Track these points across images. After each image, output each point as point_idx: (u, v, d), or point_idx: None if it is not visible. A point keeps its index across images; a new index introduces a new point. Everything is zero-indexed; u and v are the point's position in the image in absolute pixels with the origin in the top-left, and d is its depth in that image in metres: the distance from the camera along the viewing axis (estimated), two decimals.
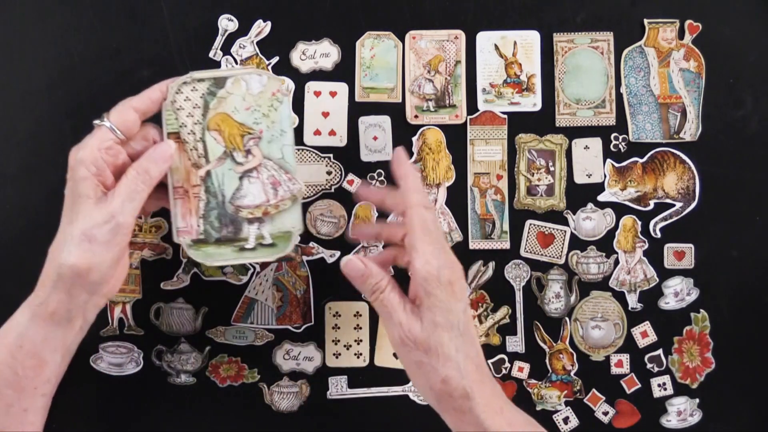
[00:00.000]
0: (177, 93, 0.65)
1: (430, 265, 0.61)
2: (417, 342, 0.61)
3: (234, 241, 0.67)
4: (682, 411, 0.78)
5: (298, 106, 0.75)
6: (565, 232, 0.77)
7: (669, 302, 0.78)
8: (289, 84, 0.74)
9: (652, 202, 0.77)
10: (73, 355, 0.68)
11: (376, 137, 0.76)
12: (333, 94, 0.76)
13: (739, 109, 0.77)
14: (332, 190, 0.76)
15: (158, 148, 0.64)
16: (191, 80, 0.65)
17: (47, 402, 0.66)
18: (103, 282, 0.63)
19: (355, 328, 0.77)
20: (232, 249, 0.67)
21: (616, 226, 0.77)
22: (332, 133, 0.76)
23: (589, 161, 0.77)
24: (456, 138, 0.76)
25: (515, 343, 0.77)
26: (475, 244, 0.77)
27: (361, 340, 0.77)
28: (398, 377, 0.77)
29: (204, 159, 0.66)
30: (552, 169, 0.77)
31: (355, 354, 0.77)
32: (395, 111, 0.76)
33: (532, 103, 0.77)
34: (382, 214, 0.76)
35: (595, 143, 0.77)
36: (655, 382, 0.78)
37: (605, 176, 0.77)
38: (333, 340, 0.77)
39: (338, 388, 0.77)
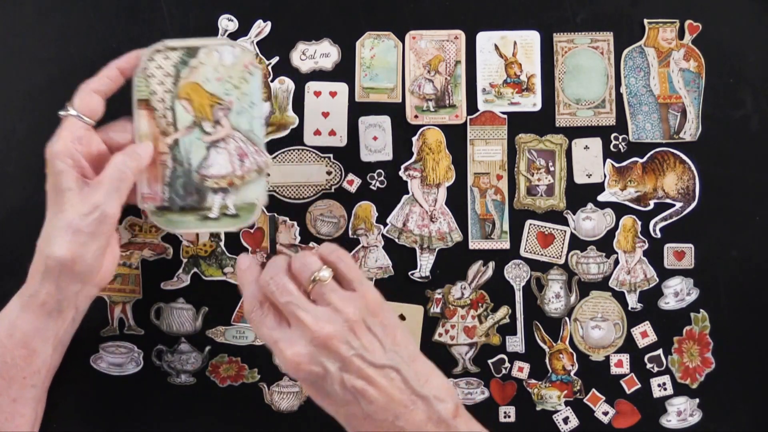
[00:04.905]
0: (149, 60, 0.66)
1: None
2: None
3: (198, 210, 0.68)
4: (682, 411, 0.78)
5: (298, 106, 0.75)
6: (565, 232, 0.77)
7: (669, 302, 0.78)
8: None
9: (652, 202, 0.77)
10: (66, 348, 0.68)
11: (376, 137, 0.76)
12: (333, 94, 0.76)
13: (739, 109, 0.77)
14: (332, 190, 0.76)
15: (144, 145, 0.66)
16: (164, 48, 0.66)
17: (39, 395, 0.66)
18: (90, 272, 0.64)
19: None
20: (196, 217, 0.68)
21: (616, 226, 0.77)
22: (332, 133, 0.76)
23: (589, 161, 0.77)
24: (456, 138, 0.76)
25: (515, 343, 0.77)
26: (475, 244, 0.77)
27: None
28: None
29: (172, 127, 0.67)
30: (552, 169, 0.77)
31: None
32: (395, 111, 0.76)
33: (532, 103, 0.77)
34: (383, 215, 0.76)
35: (595, 143, 0.77)
36: (655, 382, 0.78)
37: (605, 176, 0.77)
38: None
39: None
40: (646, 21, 0.76)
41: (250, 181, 0.68)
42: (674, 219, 0.77)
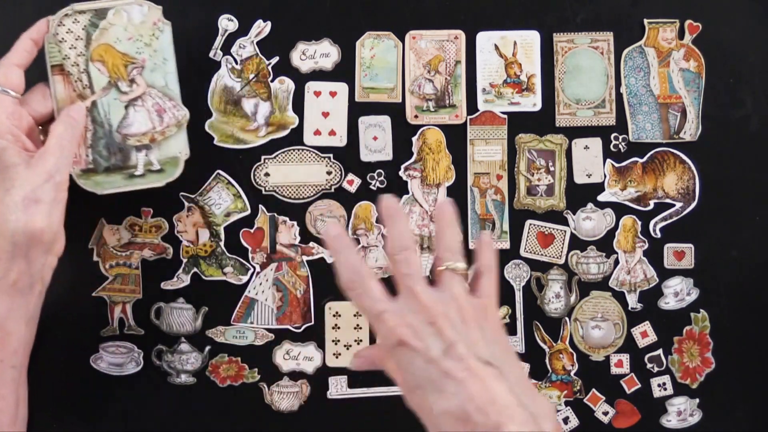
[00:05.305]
0: (59, 25, 0.67)
1: None
2: None
3: (123, 169, 0.69)
4: (682, 411, 0.78)
5: (298, 106, 0.75)
6: (565, 232, 0.77)
7: (669, 302, 0.78)
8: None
9: (652, 202, 0.77)
10: (38, 321, 0.68)
11: (376, 137, 0.76)
12: (333, 94, 0.76)
13: (739, 109, 0.77)
14: (332, 190, 0.76)
15: (75, 107, 0.67)
16: (72, 12, 0.67)
17: (18, 375, 0.66)
18: (56, 240, 0.64)
19: (355, 328, 0.77)
20: (122, 176, 0.69)
21: (616, 226, 0.77)
22: (332, 133, 0.76)
23: (589, 161, 0.77)
24: (456, 138, 0.76)
25: (515, 343, 0.77)
26: (475, 244, 0.77)
27: (361, 340, 0.77)
28: None
29: (89, 90, 0.68)
30: (552, 169, 0.77)
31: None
32: (395, 111, 0.76)
33: (532, 103, 0.77)
34: None
35: (595, 143, 0.77)
36: (655, 382, 0.78)
37: (605, 176, 0.77)
38: (333, 340, 0.77)
39: (338, 388, 0.77)
40: (646, 21, 0.76)
41: (171, 135, 0.69)
42: (674, 219, 0.77)
